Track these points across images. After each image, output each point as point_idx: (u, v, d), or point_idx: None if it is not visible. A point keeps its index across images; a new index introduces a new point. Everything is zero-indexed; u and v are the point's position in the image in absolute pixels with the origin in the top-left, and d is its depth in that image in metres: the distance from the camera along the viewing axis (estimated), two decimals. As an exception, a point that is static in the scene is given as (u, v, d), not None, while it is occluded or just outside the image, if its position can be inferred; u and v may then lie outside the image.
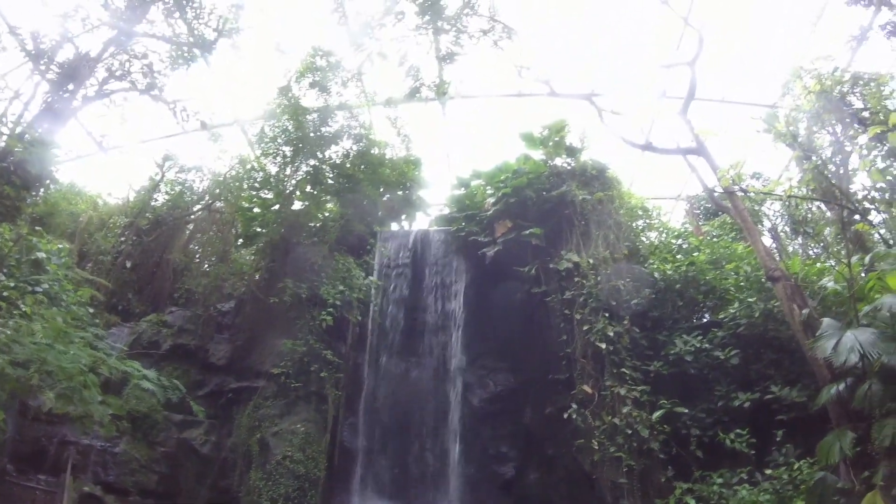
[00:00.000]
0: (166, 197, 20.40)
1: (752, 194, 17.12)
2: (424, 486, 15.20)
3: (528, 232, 15.71)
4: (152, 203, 20.51)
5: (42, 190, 16.12)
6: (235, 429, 14.81)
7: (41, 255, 11.79)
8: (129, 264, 19.31)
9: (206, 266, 18.99)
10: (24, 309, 9.84)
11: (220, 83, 17.56)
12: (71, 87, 12.80)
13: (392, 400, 15.67)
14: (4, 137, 11.63)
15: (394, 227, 18.44)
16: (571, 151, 16.90)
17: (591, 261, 14.94)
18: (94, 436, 13.19)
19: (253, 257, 18.11)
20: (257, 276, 16.69)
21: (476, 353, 16.43)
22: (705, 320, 15.37)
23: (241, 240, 18.19)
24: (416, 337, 16.38)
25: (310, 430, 13.91)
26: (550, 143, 16.81)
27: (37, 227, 13.88)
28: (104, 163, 22.56)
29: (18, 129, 11.68)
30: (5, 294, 10.12)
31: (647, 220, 19.12)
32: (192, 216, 20.21)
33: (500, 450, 15.75)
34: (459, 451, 15.38)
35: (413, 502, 14.86)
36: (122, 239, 19.70)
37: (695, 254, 16.27)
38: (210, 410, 15.16)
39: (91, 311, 13.01)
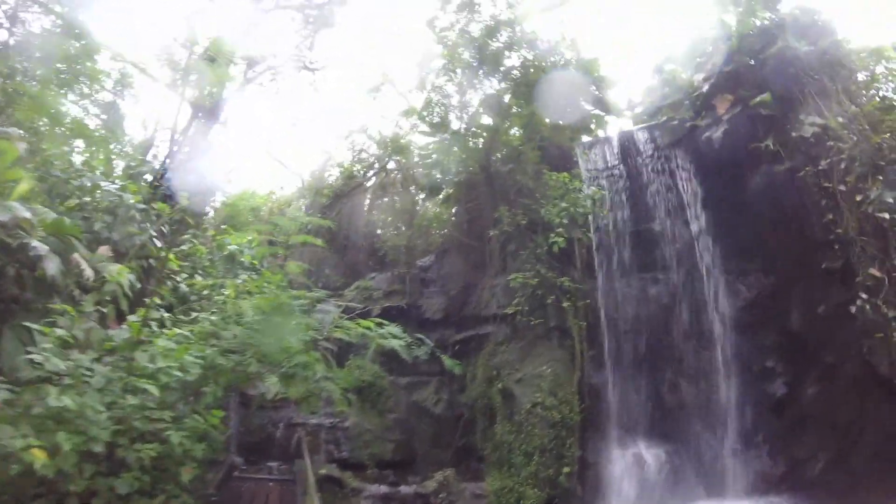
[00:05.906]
0: (339, 170, 20.26)
1: None
2: (683, 418, 13.45)
3: (757, 100, 13.39)
4: (327, 179, 20.55)
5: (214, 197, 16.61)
6: (469, 382, 14.03)
7: (233, 247, 11.48)
8: (319, 241, 19.43)
9: (393, 229, 18.54)
10: (227, 294, 9.46)
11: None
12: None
13: (633, 324, 13.96)
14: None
15: (585, 138, 16.53)
16: (769, 3, 14.57)
17: (840, 119, 12.70)
18: (322, 413, 12.93)
19: (441, 207, 17.25)
20: (453, 220, 15.73)
21: (718, 257, 14.16)
22: None
23: (423, 192, 17.33)
24: (646, 248, 14.43)
25: (558, 371, 12.60)
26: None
27: (223, 226, 14.18)
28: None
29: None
30: (205, 293, 10.12)
31: (886, 65, 15.72)
32: (368, 182, 19.84)
33: (766, 365, 13.53)
34: (718, 374, 13.37)
35: (674, 439, 13.15)
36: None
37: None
38: (435, 367, 14.57)
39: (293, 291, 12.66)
